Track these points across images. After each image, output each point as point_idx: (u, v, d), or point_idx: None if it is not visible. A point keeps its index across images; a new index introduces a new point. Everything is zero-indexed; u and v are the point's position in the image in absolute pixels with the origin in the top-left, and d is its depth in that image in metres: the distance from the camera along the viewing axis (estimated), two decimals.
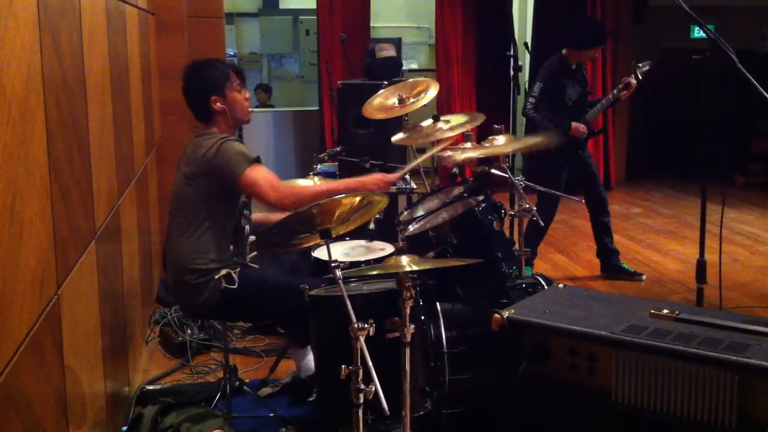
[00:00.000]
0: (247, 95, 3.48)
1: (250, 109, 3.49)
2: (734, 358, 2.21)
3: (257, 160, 3.27)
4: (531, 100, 5.47)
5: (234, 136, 3.38)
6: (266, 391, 3.83)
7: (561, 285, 3.12)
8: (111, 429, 3.07)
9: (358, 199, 2.80)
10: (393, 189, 3.66)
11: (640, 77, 5.38)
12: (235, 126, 3.45)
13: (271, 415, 3.54)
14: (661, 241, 6.85)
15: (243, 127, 4.01)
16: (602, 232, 5.73)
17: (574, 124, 5.43)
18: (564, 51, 5.55)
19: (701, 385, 2.25)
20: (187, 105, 3.44)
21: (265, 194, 3.23)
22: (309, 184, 3.83)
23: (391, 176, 3.49)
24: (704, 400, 2.24)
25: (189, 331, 4.34)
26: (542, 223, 4.03)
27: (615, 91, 5.50)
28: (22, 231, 1.87)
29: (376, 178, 3.45)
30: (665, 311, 2.17)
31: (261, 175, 3.24)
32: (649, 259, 6.25)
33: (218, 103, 3.35)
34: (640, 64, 5.40)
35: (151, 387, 3.86)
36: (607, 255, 5.75)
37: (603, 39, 5.64)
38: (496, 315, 2.63)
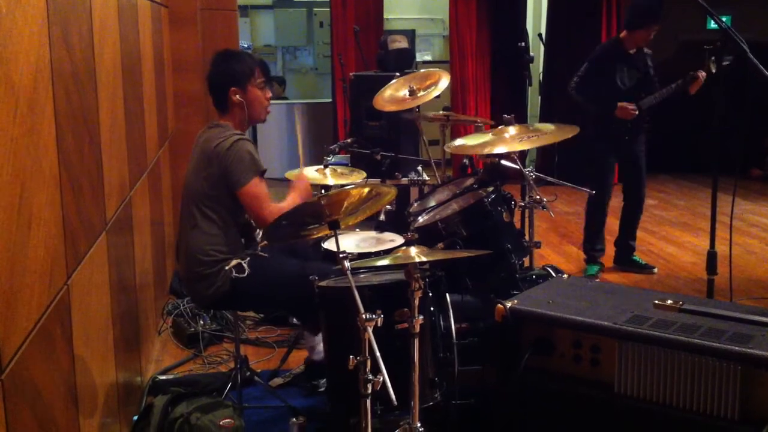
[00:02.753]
0: (269, 95, 3.48)
1: (268, 109, 3.50)
2: (737, 348, 2.20)
3: (263, 173, 3.31)
4: (575, 79, 5.36)
5: (247, 135, 3.39)
6: (277, 381, 3.85)
7: (566, 276, 3.12)
8: (122, 418, 3.10)
9: (366, 190, 2.81)
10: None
11: (713, 71, 4.95)
12: (249, 122, 3.46)
13: (282, 405, 3.56)
14: (675, 232, 6.82)
15: None
16: (629, 225, 5.70)
17: (620, 104, 5.22)
18: (622, 34, 5.39)
19: (704, 376, 2.24)
20: (209, 91, 3.47)
21: (263, 214, 3.25)
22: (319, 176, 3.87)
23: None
24: (707, 391, 2.23)
25: (201, 322, 4.37)
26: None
27: (680, 82, 5.22)
28: (30, 221, 1.89)
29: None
30: (669, 302, 2.16)
31: (264, 192, 3.29)
32: (663, 250, 6.22)
33: (237, 96, 3.36)
34: (717, 58, 5.03)
35: (163, 377, 3.89)
36: (624, 248, 5.73)
37: (654, 18, 5.22)
38: (499, 305, 2.63)
